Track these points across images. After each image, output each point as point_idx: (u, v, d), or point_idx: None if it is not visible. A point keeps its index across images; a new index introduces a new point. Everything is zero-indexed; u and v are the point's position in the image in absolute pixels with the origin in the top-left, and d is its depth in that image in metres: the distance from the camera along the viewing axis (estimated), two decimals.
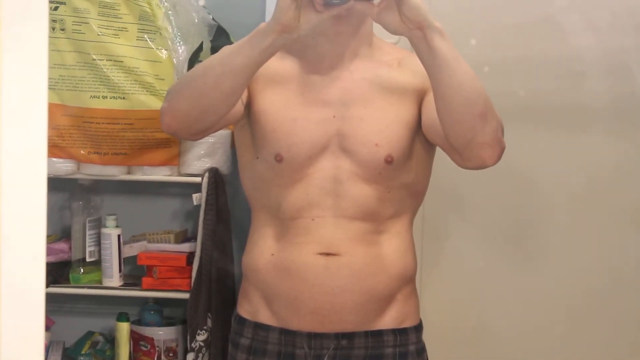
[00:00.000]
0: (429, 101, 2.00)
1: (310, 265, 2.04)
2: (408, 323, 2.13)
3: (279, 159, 2.04)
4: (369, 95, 2.06)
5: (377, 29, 1.98)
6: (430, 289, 2.74)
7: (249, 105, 2.08)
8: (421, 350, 2.15)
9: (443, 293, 2.81)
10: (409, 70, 2.07)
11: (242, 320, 2.16)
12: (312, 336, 2.07)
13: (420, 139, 2.09)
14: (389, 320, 2.10)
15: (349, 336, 2.07)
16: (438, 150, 2.10)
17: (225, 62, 1.93)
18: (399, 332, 2.11)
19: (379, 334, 2.09)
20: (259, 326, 2.12)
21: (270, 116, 2.06)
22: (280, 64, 1.99)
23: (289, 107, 2.06)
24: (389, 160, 2.02)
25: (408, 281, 2.13)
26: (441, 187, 2.65)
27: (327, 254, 2.03)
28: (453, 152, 1.98)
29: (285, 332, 2.09)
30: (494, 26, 2.75)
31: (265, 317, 2.12)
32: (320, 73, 2.07)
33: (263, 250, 2.11)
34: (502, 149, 1.95)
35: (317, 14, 1.84)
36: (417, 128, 2.07)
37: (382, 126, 2.04)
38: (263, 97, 2.07)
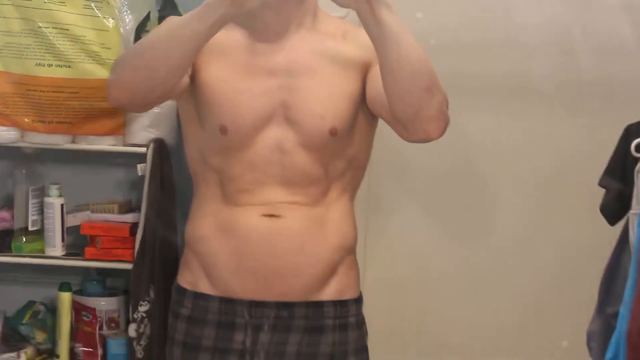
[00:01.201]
0: (374, 74, 2.00)
1: (254, 226, 2.05)
2: (348, 295, 2.14)
3: (223, 130, 2.04)
4: (315, 65, 2.06)
5: (324, 2, 1.98)
6: (374, 264, 2.75)
7: (193, 77, 2.07)
8: (360, 323, 2.17)
9: (387, 268, 2.83)
10: (354, 43, 2.08)
11: (182, 290, 2.16)
12: (253, 304, 2.08)
13: (363, 112, 2.10)
14: (329, 291, 2.11)
15: (290, 305, 2.08)
16: (383, 123, 2.10)
17: (173, 35, 1.92)
18: (340, 304, 2.12)
19: (319, 304, 2.10)
20: (199, 296, 2.12)
21: (214, 88, 2.05)
22: (225, 35, 1.98)
23: (234, 79, 2.05)
24: (333, 132, 2.04)
25: (348, 251, 2.15)
26: (386, 161, 2.67)
27: (271, 216, 2.04)
28: (398, 126, 1.98)
29: (225, 301, 2.09)
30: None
31: (205, 286, 2.12)
32: (265, 43, 2.07)
33: (206, 214, 2.12)
34: (447, 123, 1.96)
35: None
36: (361, 101, 2.08)
37: (327, 98, 2.05)
38: (208, 68, 2.06)
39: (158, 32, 2.00)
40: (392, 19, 1.85)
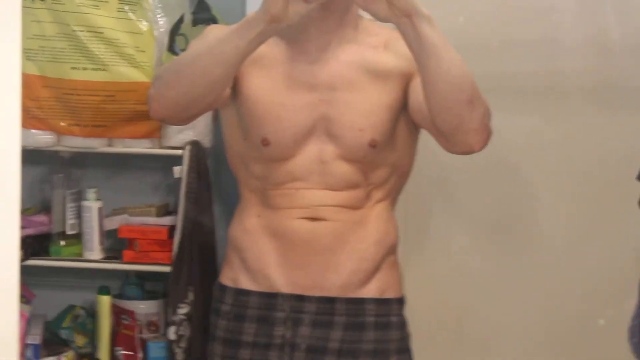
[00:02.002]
0: (416, 85, 2.00)
1: (296, 228, 2.06)
2: (390, 294, 2.13)
3: (265, 142, 2.05)
4: (355, 79, 2.06)
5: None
6: (413, 266, 2.72)
7: (234, 87, 2.08)
8: (403, 324, 2.15)
9: (426, 271, 2.79)
10: (395, 54, 2.07)
11: (223, 288, 2.17)
12: (294, 298, 2.07)
13: (404, 121, 2.10)
14: (371, 289, 2.10)
15: (331, 301, 2.07)
16: (426, 133, 2.10)
17: (213, 51, 1.94)
18: (381, 302, 2.11)
19: (360, 301, 2.09)
20: (239, 292, 2.13)
21: (257, 101, 2.06)
22: (267, 47, 1.98)
23: (276, 92, 2.06)
24: (372, 144, 2.05)
25: (390, 251, 2.14)
26: (424, 162, 2.63)
27: (313, 219, 2.04)
28: (440, 137, 2.00)
29: (266, 295, 2.09)
30: (482, 7, 2.74)
31: (245, 282, 2.12)
32: (307, 56, 2.08)
33: (250, 213, 2.13)
34: (489, 135, 1.97)
35: (306, 3, 1.85)
36: (402, 111, 2.09)
37: (367, 111, 2.05)
38: (250, 80, 2.07)
39: (197, 48, 2.02)
40: (432, 33, 1.85)
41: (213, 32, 2.05)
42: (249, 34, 1.88)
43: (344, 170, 2.06)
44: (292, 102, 2.06)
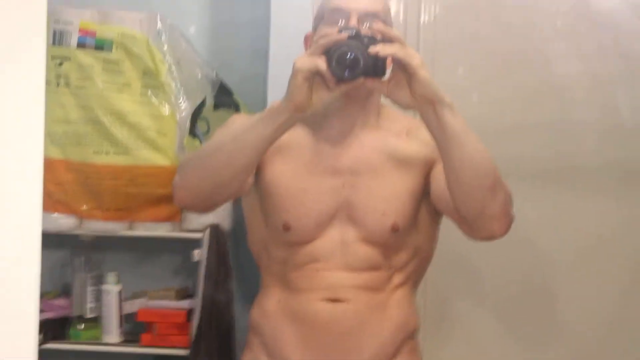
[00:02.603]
0: (438, 172, 2.01)
1: (316, 310, 2.04)
2: None
3: (286, 228, 2.05)
4: (378, 164, 2.07)
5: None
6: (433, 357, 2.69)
7: (257, 173, 2.09)
8: None
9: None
10: (418, 141, 2.09)
11: None
12: None
13: (426, 206, 2.10)
14: None
15: None
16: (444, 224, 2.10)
17: (237, 140, 1.95)
18: None
19: None
20: None
21: (279, 185, 2.07)
22: (290, 132, 1.99)
23: (298, 177, 2.07)
24: (395, 229, 2.04)
25: (410, 335, 2.12)
26: (445, 253, 2.61)
27: (333, 300, 2.03)
28: (463, 223, 2.00)
29: None
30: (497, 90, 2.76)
31: None
32: (330, 142, 2.09)
33: (270, 298, 2.12)
34: (511, 221, 1.97)
35: (329, 92, 1.86)
36: (423, 197, 2.09)
37: (389, 196, 2.06)
38: (272, 166, 2.08)
39: (221, 136, 2.03)
40: (454, 120, 1.86)
41: (237, 122, 2.07)
42: (273, 123, 1.89)
43: (365, 252, 2.05)
44: (314, 187, 2.06)
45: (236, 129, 1.98)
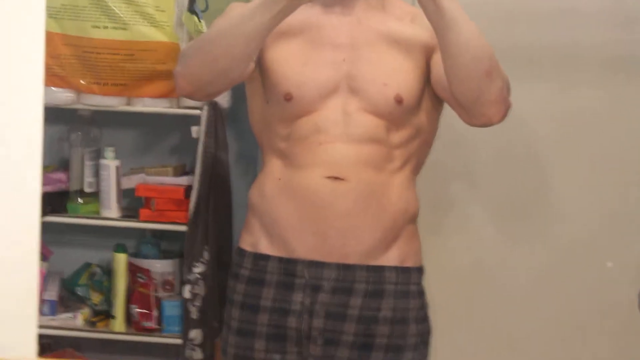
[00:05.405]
0: (438, 58, 2.02)
1: (317, 188, 2.05)
2: (410, 263, 2.13)
3: (288, 97, 2.05)
4: (378, 41, 2.08)
5: None
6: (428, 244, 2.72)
7: (259, 60, 2.09)
8: (422, 293, 2.15)
9: (442, 262, 2.77)
10: (420, 26, 2.09)
11: (242, 252, 2.16)
12: (313, 265, 2.07)
13: (428, 92, 2.11)
14: (391, 257, 2.10)
15: (350, 268, 2.08)
16: (447, 111, 2.10)
17: (236, 28, 1.96)
18: (401, 270, 2.11)
19: (380, 269, 2.09)
20: (258, 256, 2.13)
21: (280, 62, 2.08)
22: (291, 18, 1.99)
23: (299, 53, 2.08)
24: (398, 100, 2.04)
25: (411, 220, 2.14)
26: (447, 147, 2.61)
27: (334, 178, 2.04)
28: (460, 109, 2.02)
29: (285, 261, 2.09)
30: None
31: (265, 246, 2.12)
32: (331, 20, 2.09)
33: (270, 176, 2.13)
34: (508, 107, 1.99)
35: None
36: (426, 79, 2.09)
37: (390, 69, 2.07)
38: (274, 48, 2.08)
39: (220, 25, 2.03)
40: (452, 5, 1.88)
41: (235, 10, 2.06)
42: (272, 10, 1.90)
43: (367, 121, 2.05)
44: (315, 60, 2.07)
45: (235, 17, 1.99)
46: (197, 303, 2.58)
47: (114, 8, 2.53)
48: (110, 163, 2.69)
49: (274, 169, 2.12)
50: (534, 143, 2.75)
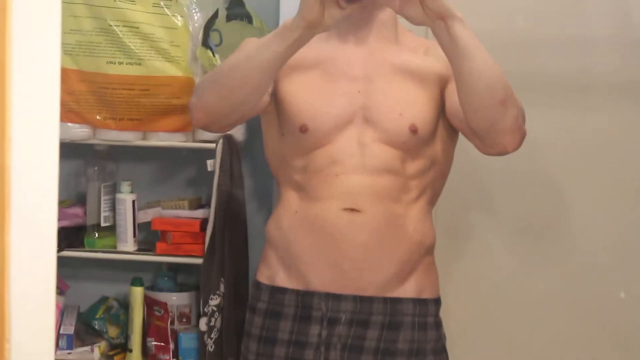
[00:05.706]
0: (453, 88, 2.03)
1: (334, 220, 2.06)
2: (427, 294, 2.13)
3: (303, 129, 2.07)
4: (392, 73, 2.11)
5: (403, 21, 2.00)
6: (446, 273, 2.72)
7: (274, 92, 2.11)
8: (439, 324, 2.15)
9: (460, 278, 2.79)
10: (434, 57, 2.11)
11: (259, 285, 2.18)
12: (330, 297, 2.08)
13: (443, 122, 2.13)
14: (408, 288, 2.11)
15: (367, 300, 2.08)
16: (462, 139, 2.11)
17: (252, 59, 1.98)
18: (419, 302, 2.11)
19: (398, 301, 2.10)
20: (276, 290, 2.14)
21: (295, 95, 2.10)
22: (305, 49, 2.01)
23: (314, 85, 2.11)
24: (413, 130, 2.05)
25: (427, 251, 2.14)
26: (462, 174, 2.61)
27: (351, 210, 2.05)
28: (475, 139, 2.03)
29: (302, 294, 2.10)
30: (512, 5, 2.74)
31: (282, 280, 2.13)
32: (345, 52, 2.13)
33: (287, 209, 2.14)
34: (523, 136, 1.99)
35: (341, 10, 1.88)
36: (440, 109, 2.10)
37: (404, 100, 2.09)
38: (289, 81, 2.11)
39: (236, 56, 2.06)
40: (465, 34, 1.87)
41: (251, 44, 2.09)
42: (287, 41, 1.92)
43: (382, 153, 2.06)
44: (330, 91, 2.09)
45: (250, 49, 2.02)
46: (214, 335, 2.59)
47: (129, 44, 2.55)
48: (126, 197, 2.71)
49: (290, 201, 2.13)
50: (548, 170, 2.75)
